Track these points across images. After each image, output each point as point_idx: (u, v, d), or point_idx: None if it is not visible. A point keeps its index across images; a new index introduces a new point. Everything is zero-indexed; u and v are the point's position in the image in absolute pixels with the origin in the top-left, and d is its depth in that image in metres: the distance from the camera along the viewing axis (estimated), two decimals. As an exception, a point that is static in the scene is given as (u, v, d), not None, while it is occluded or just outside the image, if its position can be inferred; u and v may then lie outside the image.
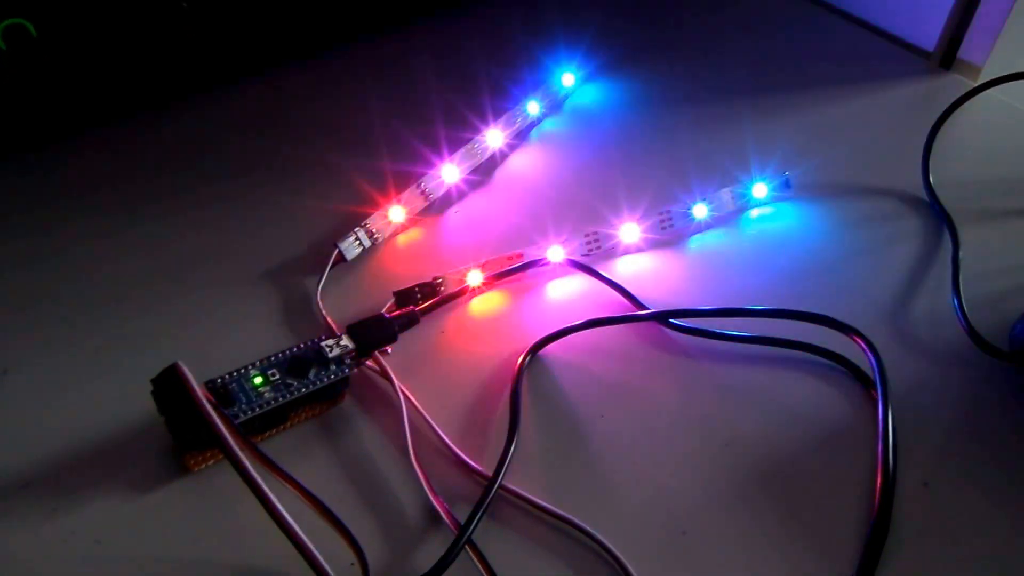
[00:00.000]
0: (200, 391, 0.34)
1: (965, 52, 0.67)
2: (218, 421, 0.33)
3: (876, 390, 0.41)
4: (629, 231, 0.51)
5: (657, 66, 0.68)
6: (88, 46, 0.57)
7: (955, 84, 0.66)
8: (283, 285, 0.48)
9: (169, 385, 0.35)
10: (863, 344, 0.42)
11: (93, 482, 0.38)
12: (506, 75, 0.64)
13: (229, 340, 0.45)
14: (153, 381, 0.36)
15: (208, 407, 0.34)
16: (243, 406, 0.37)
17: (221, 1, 0.61)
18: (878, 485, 0.38)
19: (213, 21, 0.61)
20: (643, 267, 0.50)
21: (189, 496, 0.38)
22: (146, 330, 0.45)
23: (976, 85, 0.60)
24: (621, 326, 0.46)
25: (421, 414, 0.41)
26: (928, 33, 0.68)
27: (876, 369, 0.41)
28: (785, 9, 0.77)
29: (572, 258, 0.49)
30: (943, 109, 0.59)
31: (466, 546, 0.35)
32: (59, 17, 0.55)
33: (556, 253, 0.49)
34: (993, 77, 0.59)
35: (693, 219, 0.52)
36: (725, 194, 0.53)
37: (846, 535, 0.37)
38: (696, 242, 0.52)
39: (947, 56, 0.68)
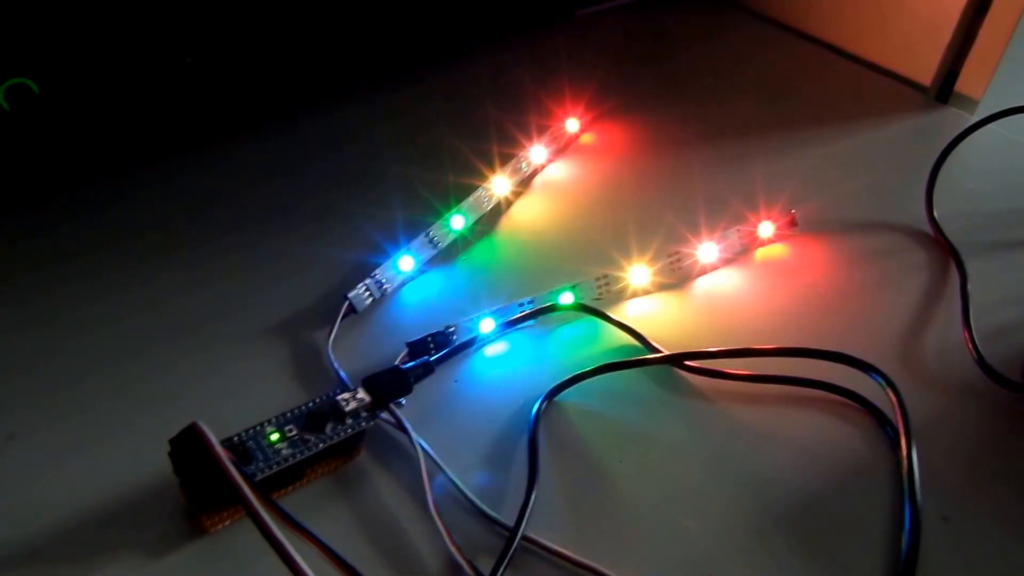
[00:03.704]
0: (220, 450, 0.34)
1: (962, 86, 0.68)
2: (240, 481, 0.33)
3: (899, 426, 0.41)
4: (639, 273, 0.51)
5: (658, 110, 0.69)
6: (92, 102, 0.57)
7: (952, 118, 0.67)
8: (294, 338, 0.48)
9: (187, 445, 0.34)
10: (882, 380, 0.42)
11: (105, 549, 0.37)
12: (513, 120, 0.64)
13: (240, 396, 0.44)
14: (171, 442, 0.35)
15: (230, 467, 0.33)
16: (261, 464, 0.36)
17: (225, 55, 0.61)
18: (907, 521, 0.38)
19: (218, 75, 0.62)
20: (654, 309, 0.50)
21: (205, 558, 0.37)
22: (155, 389, 0.45)
23: (976, 120, 0.60)
24: (635, 370, 0.46)
25: (438, 465, 0.40)
26: (925, 68, 0.69)
27: (897, 405, 0.41)
28: (784, 48, 0.78)
29: (583, 303, 0.49)
30: (942, 143, 0.59)
31: (490, 599, 0.35)
32: (62, 75, 0.55)
33: (567, 298, 0.49)
34: (991, 111, 0.59)
35: (702, 260, 0.52)
36: (732, 234, 0.53)
37: (867, 573, 0.37)
38: (705, 282, 0.52)
39: (943, 91, 0.69)
